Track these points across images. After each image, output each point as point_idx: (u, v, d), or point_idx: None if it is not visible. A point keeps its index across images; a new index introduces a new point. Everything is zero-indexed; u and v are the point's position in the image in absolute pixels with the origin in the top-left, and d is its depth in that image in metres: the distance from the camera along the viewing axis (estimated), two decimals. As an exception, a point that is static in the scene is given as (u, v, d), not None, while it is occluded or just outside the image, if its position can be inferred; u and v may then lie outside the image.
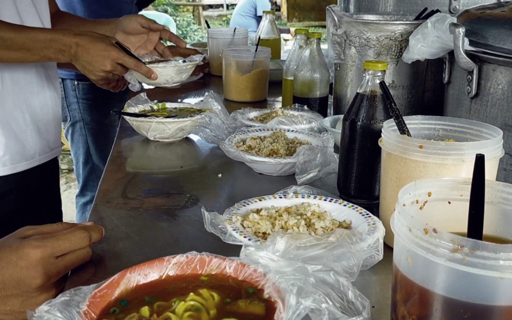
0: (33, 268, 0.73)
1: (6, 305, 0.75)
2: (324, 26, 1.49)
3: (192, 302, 0.60)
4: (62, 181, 4.16)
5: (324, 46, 1.60)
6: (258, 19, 6.03)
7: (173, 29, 7.76)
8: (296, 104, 1.47)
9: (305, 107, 1.46)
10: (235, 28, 2.23)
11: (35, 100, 1.32)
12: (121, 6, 2.24)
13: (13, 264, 0.73)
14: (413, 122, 0.87)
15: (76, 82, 2.20)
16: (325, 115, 1.50)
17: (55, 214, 1.51)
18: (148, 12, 7.55)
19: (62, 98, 2.23)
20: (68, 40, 1.27)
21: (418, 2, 1.44)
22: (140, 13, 2.47)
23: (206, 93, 1.45)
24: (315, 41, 1.47)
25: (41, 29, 1.29)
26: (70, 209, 3.24)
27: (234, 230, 0.79)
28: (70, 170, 4.34)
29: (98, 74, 1.36)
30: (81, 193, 2.43)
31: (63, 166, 4.37)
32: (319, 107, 1.51)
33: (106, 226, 0.91)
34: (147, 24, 1.66)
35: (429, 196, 0.61)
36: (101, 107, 2.22)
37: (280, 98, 1.80)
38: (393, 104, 0.85)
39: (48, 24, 1.38)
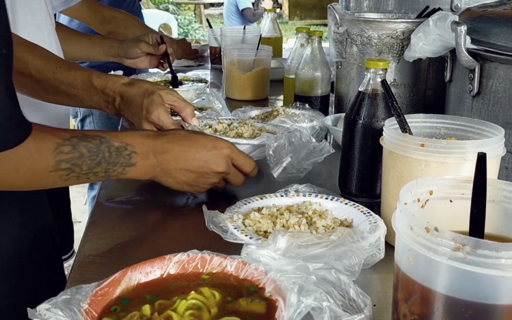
0: (221, 158, 0.93)
1: (183, 175, 0.92)
2: (325, 25, 1.48)
3: (193, 301, 0.60)
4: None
5: (325, 45, 1.60)
6: (242, 14, 6.05)
7: (174, 28, 7.76)
8: (297, 103, 1.46)
9: (307, 105, 1.45)
10: (244, 26, 2.22)
11: (52, 115, 1.29)
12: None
13: (207, 148, 0.93)
14: (415, 120, 0.87)
15: None
16: (326, 113, 1.50)
17: (64, 212, 1.51)
18: (150, 11, 7.55)
19: None
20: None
21: (419, 0, 1.43)
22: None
23: (208, 91, 1.45)
24: (317, 39, 1.47)
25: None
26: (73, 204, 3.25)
27: (235, 228, 0.79)
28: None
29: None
30: (91, 187, 2.48)
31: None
32: (321, 105, 1.50)
33: (107, 225, 0.91)
34: (150, 51, 1.67)
35: (430, 194, 0.61)
36: None
37: (281, 97, 1.80)
38: (394, 103, 0.85)
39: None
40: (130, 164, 0.86)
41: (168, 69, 1.75)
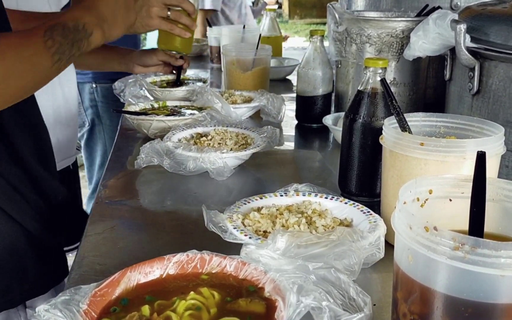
0: None
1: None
2: (325, 23, 1.48)
3: (192, 301, 0.59)
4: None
5: (325, 43, 1.60)
6: None
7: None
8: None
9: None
10: (244, 25, 2.22)
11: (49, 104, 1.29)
12: None
13: None
14: (414, 119, 0.87)
15: (94, 85, 2.21)
16: (328, 112, 1.50)
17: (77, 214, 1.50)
18: (150, 10, 7.52)
19: (78, 103, 2.24)
20: None
21: (419, -2, 1.43)
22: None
23: (207, 90, 1.45)
24: (318, 38, 1.47)
25: None
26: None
27: (234, 228, 0.78)
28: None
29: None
30: (93, 195, 2.47)
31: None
32: (322, 104, 1.50)
33: (106, 225, 0.91)
34: (168, 60, 1.68)
35: (430, 193, 0.60)
36: (120, 108, 2.24)
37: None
38: (394, 101, 0.85)
39: None
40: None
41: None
